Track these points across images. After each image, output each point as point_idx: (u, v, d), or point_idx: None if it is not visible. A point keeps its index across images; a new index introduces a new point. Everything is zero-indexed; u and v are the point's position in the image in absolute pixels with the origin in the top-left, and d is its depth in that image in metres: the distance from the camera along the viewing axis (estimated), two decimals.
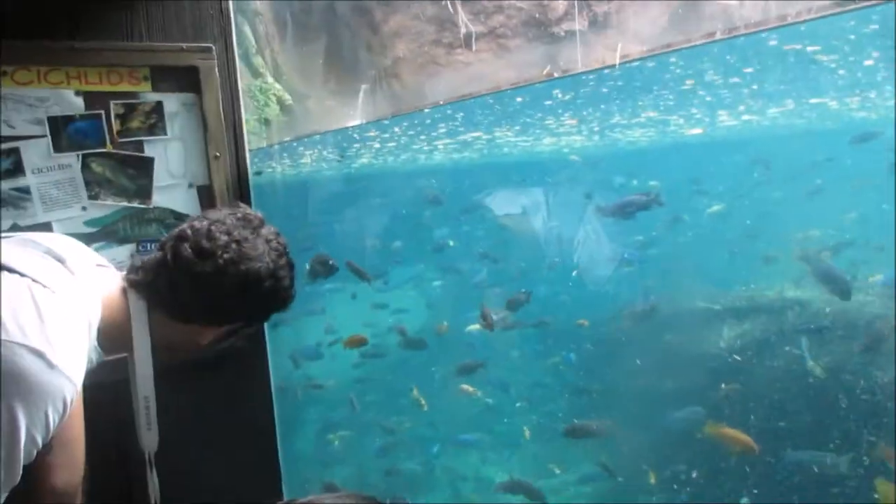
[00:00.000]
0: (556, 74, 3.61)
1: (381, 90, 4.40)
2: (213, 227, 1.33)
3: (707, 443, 4.25)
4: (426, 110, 5.60)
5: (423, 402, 5.68)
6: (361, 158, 8.53)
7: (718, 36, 2.79)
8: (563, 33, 3.89)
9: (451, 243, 7.99)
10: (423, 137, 7.73)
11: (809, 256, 4.36)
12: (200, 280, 1.30)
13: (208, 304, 1.34)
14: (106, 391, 1.67)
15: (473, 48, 4.04)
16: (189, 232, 1.33)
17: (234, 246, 1.32)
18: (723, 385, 4.76)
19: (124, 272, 1.40)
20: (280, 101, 4.60)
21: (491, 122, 7.46)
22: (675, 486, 4.67)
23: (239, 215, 1.39)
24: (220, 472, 1.95)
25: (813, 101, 7.72)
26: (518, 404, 6.10)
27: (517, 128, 8.02)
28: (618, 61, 3.14)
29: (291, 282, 1.45)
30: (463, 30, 4.02)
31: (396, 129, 6.89)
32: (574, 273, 7.11)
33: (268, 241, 1.38)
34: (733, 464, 4.33)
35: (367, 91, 4.37)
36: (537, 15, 3.94)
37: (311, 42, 4.54)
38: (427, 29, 4.26)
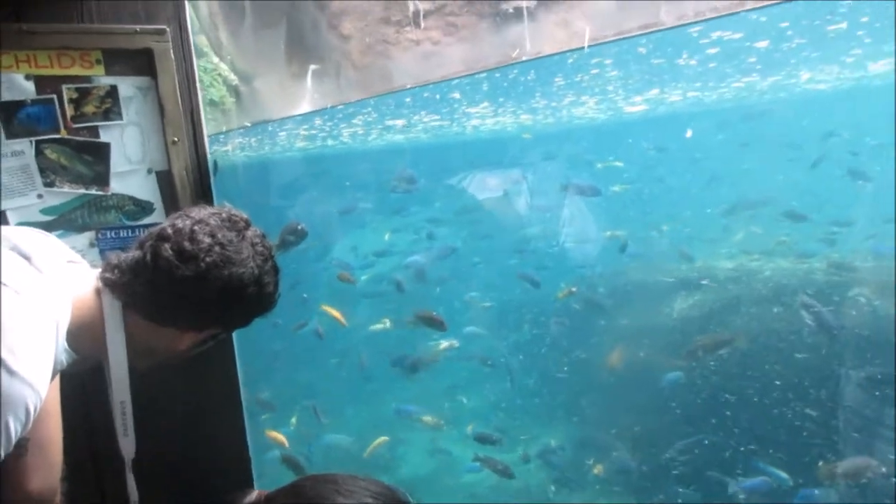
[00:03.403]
0: (524, 57, 3.60)
1: (332, 72, 4.34)
2: (196, 228, 1.25)
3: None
4: (379, 96, 5.48)
5: (438, 421, 5.44)
6: (316, 141, 8.41)
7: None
8: (511, 10, 3.90)
9: (387, 235, 7.92)
10: (385, 120, 7.65)
11: (808, 304, 4.27)
12: (181, 284, 1.22)
13: (188, 308, 1.27)
14: (81, 388, 1.67)
15: (422, 26, 4.01)
16: (170, 231, 1.25)
17: (217, 249, 1.24)
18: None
19: (99, 270, 1.32)
20: (226, 82, 4.46)
21: (443, 107, 7.41)
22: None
23: (224, 216, 1.31)
24: (194, 469, 1.98)
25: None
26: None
27: (474, 109, 8.00)
28: (586, 43, 3.17)
29: (276, 287, 1.39)
30: (411, 7, 3.97)
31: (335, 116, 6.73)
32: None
33: (253, 245, 1.31)
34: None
35: (315, 73, 4.29)
36: None
37: (257, 20, 4.44)
38: (375, 6, 4.21)
